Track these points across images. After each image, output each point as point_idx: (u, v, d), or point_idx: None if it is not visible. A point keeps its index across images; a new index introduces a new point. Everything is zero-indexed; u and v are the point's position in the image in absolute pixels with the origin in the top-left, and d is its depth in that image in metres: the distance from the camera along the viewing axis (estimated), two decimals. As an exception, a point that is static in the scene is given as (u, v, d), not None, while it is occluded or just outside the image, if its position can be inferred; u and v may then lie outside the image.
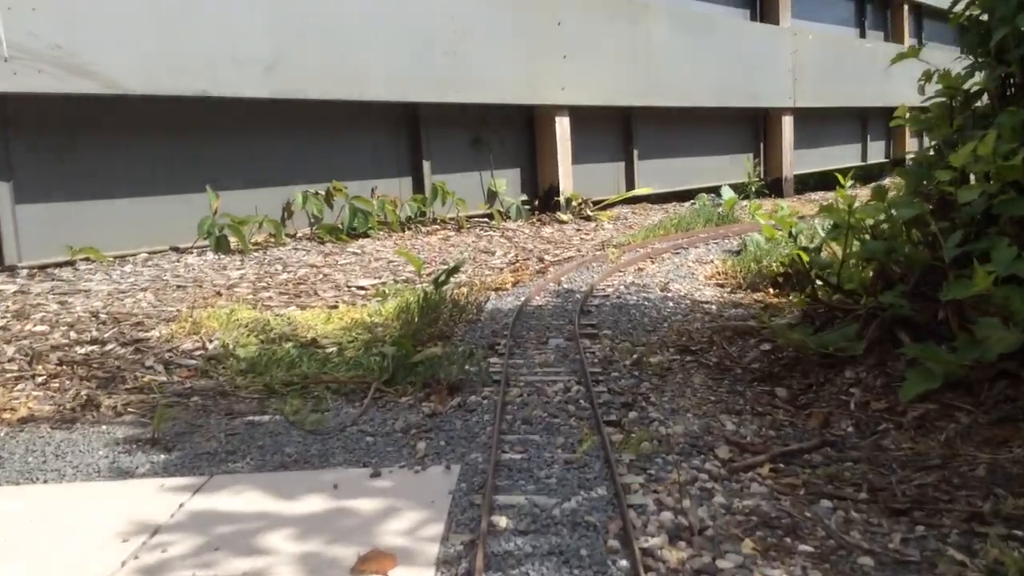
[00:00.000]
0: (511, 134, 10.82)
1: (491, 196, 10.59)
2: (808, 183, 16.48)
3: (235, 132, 8.32)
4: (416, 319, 5.25)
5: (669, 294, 6.33)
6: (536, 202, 10.99)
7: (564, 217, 10.66)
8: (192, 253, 7.72)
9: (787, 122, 14.59)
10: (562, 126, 10.88)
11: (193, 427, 3.71)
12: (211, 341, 4.97)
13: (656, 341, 5.02)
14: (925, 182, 4.79)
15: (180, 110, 7.90)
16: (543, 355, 4.62)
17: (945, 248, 4.11)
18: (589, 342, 4.89)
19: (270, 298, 6.18)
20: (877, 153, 17.76)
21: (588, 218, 10.86)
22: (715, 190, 13.46)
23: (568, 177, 11.01)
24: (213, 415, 3.90)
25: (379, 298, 6.20)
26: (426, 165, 9.83)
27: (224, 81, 7.75)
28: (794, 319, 5.17)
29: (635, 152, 12.36)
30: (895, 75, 17.27)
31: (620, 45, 11.47)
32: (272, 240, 8.21)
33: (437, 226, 9.65)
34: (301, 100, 8.40)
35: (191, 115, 8.00)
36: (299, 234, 8.68)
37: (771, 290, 6.66)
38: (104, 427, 3.74)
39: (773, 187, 14.62)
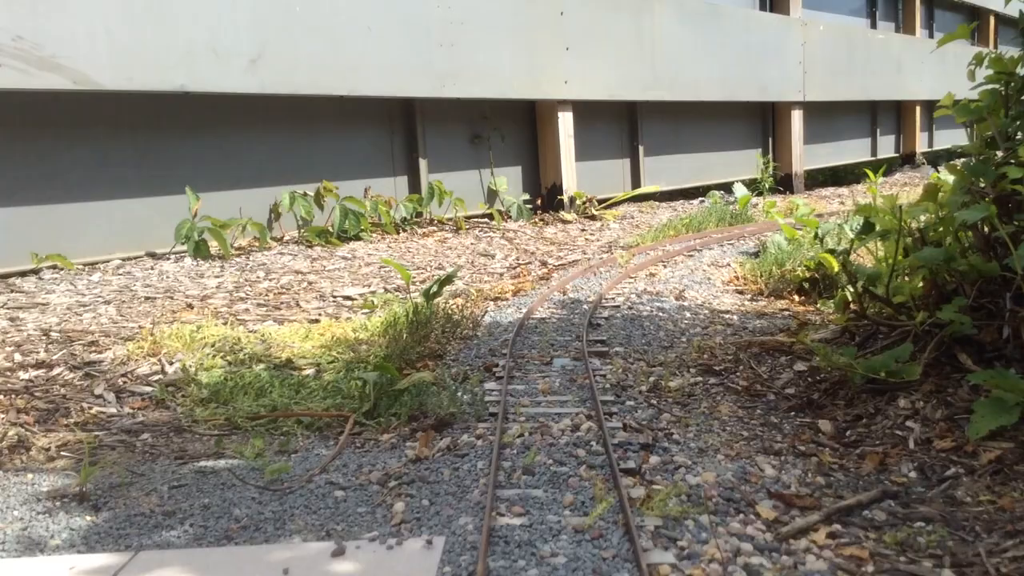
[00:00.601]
0: (512, 130, 10.19)
1: (491, 195, 9.97)
2: (817, 179, 15.84)
3: (217, 129, 7.70)
4: (404, 336, 4.63)
5: (685, 303, 5.70)
6: (538, 201, 10.36)
7: (568, 216, 10.03)
8: (169, 259, 7.10)
9: (797, 116, 13.94)
10: (565, 121, 10.25)
11: (133, 476, 3.09)
12: (172, 363, 4.35)
13: (674, 360, 4.39)
14: (979, 179, 4.14)
15: (157, 106, 7.28)
16: (547, 379, 3.99)
17: (1016, 255, 3.48)
18: (599, 362, 4.26)
19: (246, 310, 5.56)
20: (887, 148, 17.10)
21: (593, 217, 10.23)
22: (723, 187, 12.84)
23: (572, 175, 10.38)
24: (160, 459, 3.28)
25: (366, 310, 5.58)
26: (422, 163, 9.20)
27: (204, 75, 7.12)
28: (829, 334, 4.54)
29: (641, 148, 11.73)
30: (906, 68, 16.66)
31: (625, 36, 10.83)
32: (257, 244, 7.59)
33: (434, 227, 9.03)
34: (288, 95, 7.77)
35: (169, 112, 7.38)
36: (286, 237, 8.06)
37: (796, 297, 6.04)
38: (31, 476, 3.11)
39: (782, 183, 13.97)
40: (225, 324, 5.10)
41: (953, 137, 19.17)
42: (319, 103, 8.30)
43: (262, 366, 4.36)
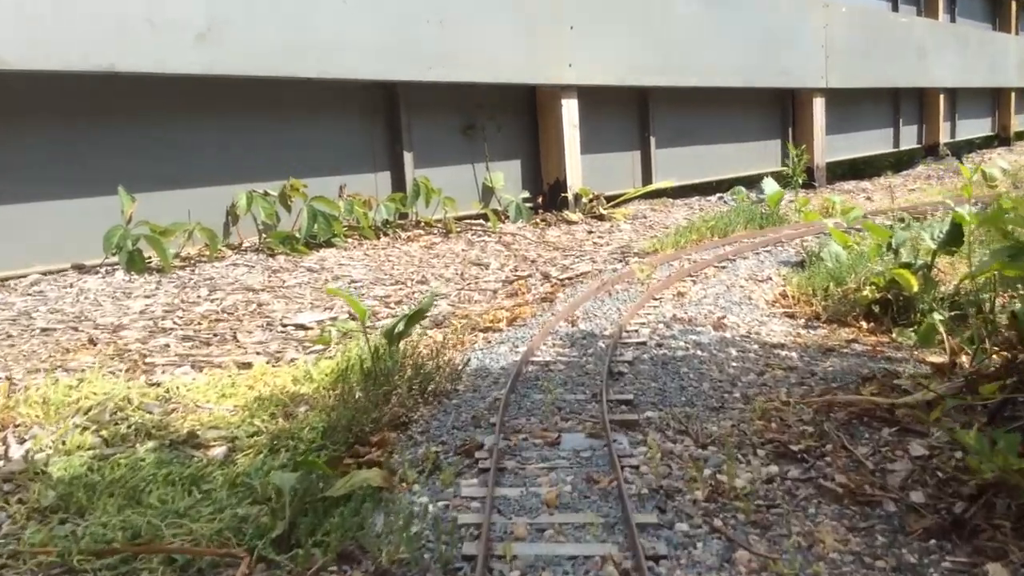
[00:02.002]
0: (510, 119, 8.80)
1: (486, 193, 8.59)
2: (836, 172, 14.43)
3: (159, 118, 6.33)
4: (357, 395, 3.26)
5: (727, 334, 4.33)
6: (540, 199, 8.98)
7: (573, 216, 8.65)
8: (98, 273, 5.74)
9: (818, 104, 12.54)
10: (569, 109, 8.86)
11: None
12: (23, 441, 3.00)
13: (731, 432, 3.02)
14: None
15: (82, 90, 5.91)
16: (553, 474, 2.64)
17: None
18: (627, 440, 2.90)
19: (164, 348, 4.19)
20: (909, 139, 15.69)
21: (601, 217, 8.85)
22: (741, 181, 11.45)
23: (576, 169, 9.00)
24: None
25: (321, 346, 4.22)
26: (407, 157, 7.82)
27: (139, 52, 5.76)
28: (947, 390, 3.16)
29: (652, 140, 10.34)
30: (929, 53, 15.23)
31: (634, 15, 9.43)
32: (208, 254, 6.22)
33: (420, 230, 7.65)
34: (245, 77, 6.40)
35: (97, 96, 6.01)
36: (246, 244, 6.69)
37: (863, 323, 4.67)
38: None
39: (803, 177, 12.55)
40: (126, 371, 3.74)
41: (976, 127, 17.75)
42: (284, 87, 6.92)
43: (151, 444, 3.00)
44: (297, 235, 6.64)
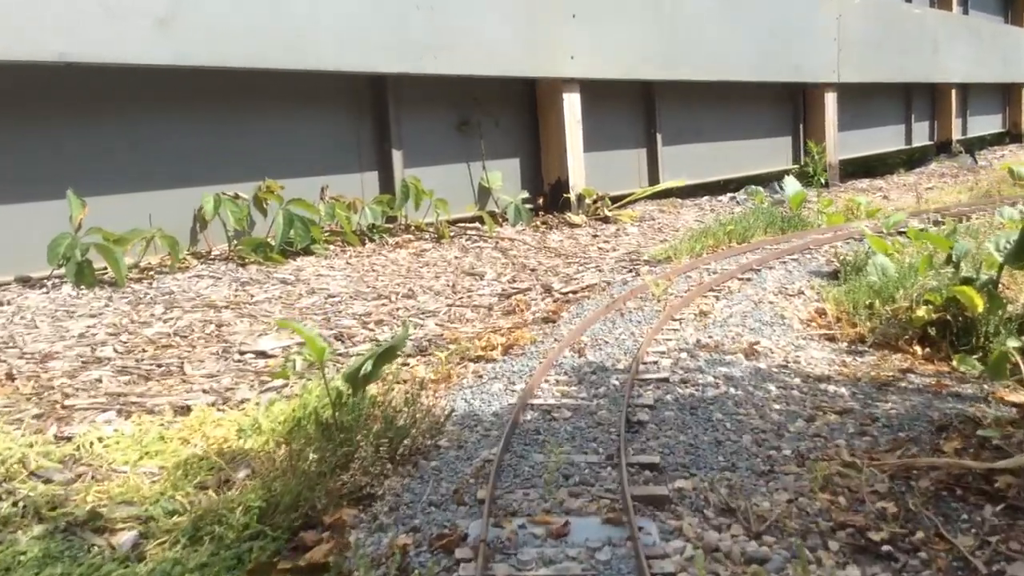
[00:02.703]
0: (508, 115, 8.07)
1: (483, 194, 7.86)
2: (847, 169, 13.69)
3: (116, 113, 5.60)
4: (311, 457, 2.54)
5: (762, 364, 3.61)
6: (540, 200, 8.25)
7: (576, 219, 7.92)
8: (44, 287, 5.02)
9: (830, 99, 11.80)
10: (571, 104, 8.13)
11: None
12: None
13: (789, 512, 2.30)
14: None
15: (27, 82, 5.18)
16: (561, 584, 1.92)
17: None
18: (656, 529, 2.17)
19: (96, 383, 3.47)
20: (921, 135, 14.94)
21: (606, 219, 8.12)
22: (750, 180, 10.73)
23: (579, 168, 8.27)
24: None
25: (281, 380, 3.50)
26: (396, 156, 7.09)
27: (93, 40, 5.03)
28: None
29: (659, 136, 9.61)
30: (942, 47, 14.48)
31: (641, 4, 8.70)
32: (170, 264, 5.49)
33: (410, 235, 6.92)
34: (214, 68, 5.68)
35: (45, 89, 5.28)
36: (215, 252, 5.96)
37: (917, 348, 3.94)
38: None
39: (815, 175, 11.82)
40: (36, 418, 3.01)
41: (986, 124, 17.01)
42: (259, 79, 6.19)
43: (39, 530, 2.29)
44: (272, 242, 5.91)
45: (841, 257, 5.32)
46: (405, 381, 3.31)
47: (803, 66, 11.10)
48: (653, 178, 9.57)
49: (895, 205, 10.09)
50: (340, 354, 3.90)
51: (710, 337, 3.90)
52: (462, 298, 5.18)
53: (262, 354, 3.89)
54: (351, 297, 5.10)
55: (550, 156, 8.25)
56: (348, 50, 6.27)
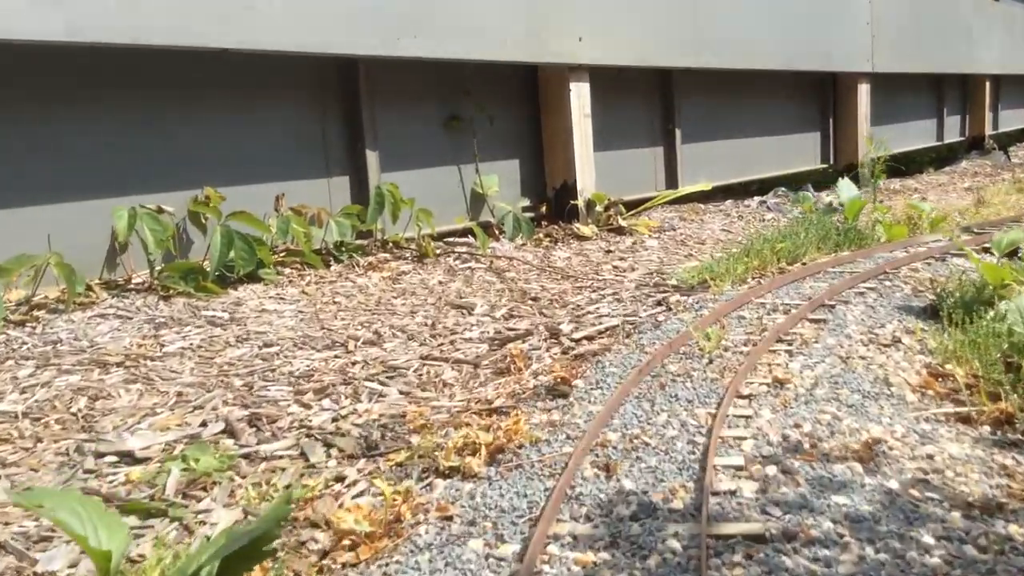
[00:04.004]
0: (505, 108, 6.72)
1: (476, 201, 6.52)
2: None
3: (5, 108, 4.27)
4: None
5: (892, 484, 2.26)
6: (543, 208, 6.90)
7: (585, 230, 6.57)
8: None
9: (863, 91, 10.42)
10: (580, 95, 6.78)
11: None
12: None
13: None
14: None
15: None
16: None
17: None
18: None
19: None
20: (952, 131, 13.55)
21: (620, 230, 6.77)
22: (776, 181, 9.37)
23: (589, 170, 6.93)
24: None
25: (132, 514, 2.16)
26: (371, 158, 5.75)
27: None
28: None
29: (678, 133, 8.25)
30: (976, 35, 13.09)
31: (659, -20, 7.36)
32: (79, 298, 4.14)
33: (387, 254, 5.58)
34: (134, 48, 4.35)
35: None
36: (136, 281, 4.62)
37: (1106, 443, 2.58)
38: None
39: (845, 175, 10.44)
40: None
41: (1015, 119, 15.60)
42: (194, 63, 4.86)
43: None
44: (205, 268, 4.57)
45: (939, 288, 3.97)
46: (314, 546, 1.97)
47: (834, 54, 9.72)
48: (671, 180, 8.21)
49: (941, 207, 8.74)
50: (245, 456, 2.56)
51: (800, 428, 2.55)
52: (442, 345, 3.83)
53: (128, 457, 2.55)
54: (295, 345, 3.76)
55: (555, 157, 6.90)
56: (307, 26, 4.93)
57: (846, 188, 6.04)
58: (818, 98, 10.39)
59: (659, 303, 4.41)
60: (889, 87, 11.30)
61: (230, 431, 2.69)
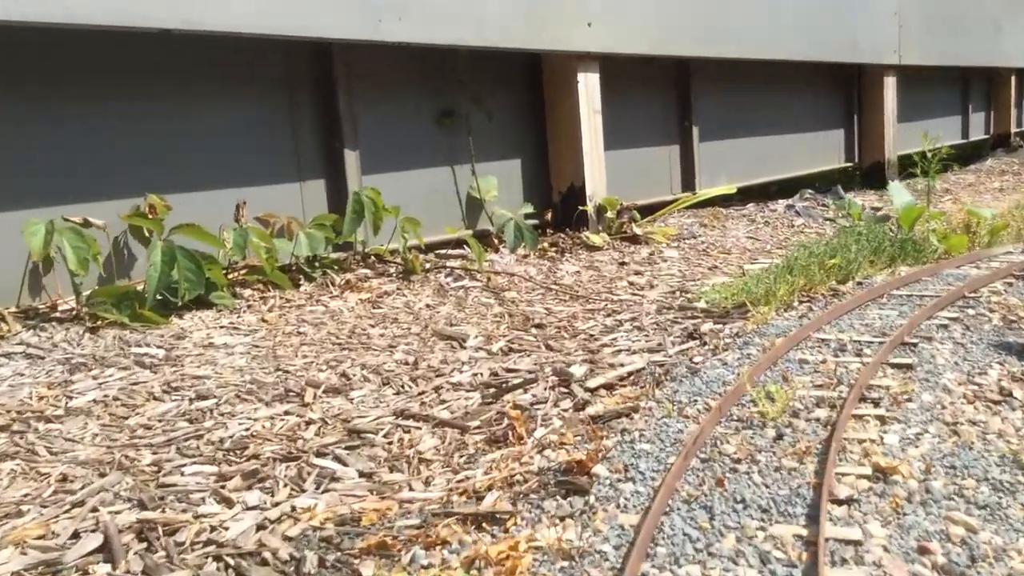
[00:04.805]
0: (505, 102, 5.88)
1: (472, 207, 5.68)
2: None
3: None
4: None
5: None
6: (549, 215, 6.06)
7: (595, 239, 5.73)
8: None
9: (890, 84, 9.56)
10: (588, 87, 5.93)
11: None
12: None
13: None
14: None
15: None
16: None
17: None
18: None
19: None
20: (977, 128, 12.67)
21: (634, 238, 5.93)
22: (799, 183, 8.53)
23: (599, 171, 6.08)
24: None
25: None
26: (350, 159, 4.91)
27: None
28: None
29: (695, 130, 7.40)
30: (1004, 26, 12.21)
31: (676, -40, 6.50)
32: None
33: (369, 269, 4.74)
34: (59, 27, 3.52)
35: None
36: (64, 308, 3.79)
37: None
38: None
39: (870, 175, 9.61)
40: None
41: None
42: (139, 48, 4.03)
43: None
44: (143, 293, 3.74)
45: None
46: None
47: (860, 45, 8.85)
48: (688, 182, 7.36)
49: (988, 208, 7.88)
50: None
51: (929, 555, 1.71)
52: (424, 393, 3.00)
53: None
54: (238, 396, 2.93)
55: (561, 157, 6.06)
56: (271, 5, 4.10)
57: (899, 192, 5.19)
58: (842, 93, 9.53)
59: (690, 335, 3.56)
60: (914, 81, 10.44)
61: (108, 552, 1.86)
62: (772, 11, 7.50)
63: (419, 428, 2.67)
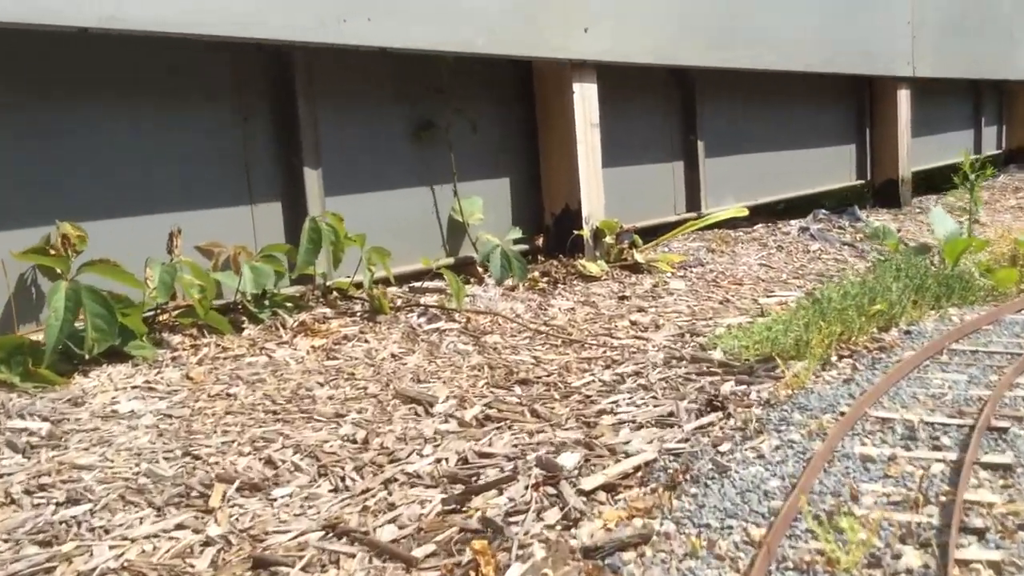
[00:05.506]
0: (491, 114, 5.14)
1: (454, 232, 4.94)
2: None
3: None
4: None
5: None
6: (540, 240, 5.32)
7: (592, 268, 4.99)
8: None
9: (903, 97, 8.84)
10: (585, 99, 5.20)
11: None
12: None
13: None
14: None
15: None
16: None
17: None
18: None
19: None
20: (989, 143, 11.94)
21: (635, 267, 5.19)
22: (809, 201, 7.83)
23: (596, 191, 5.35)
24: None
25: None
26: (311, 178, 4.17)
27: None
28: None
29: (700, 145, 6.67)
30: (1018, 36, 11.51)
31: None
32: None
33: (328, 308, 3.99)
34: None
35: None
36: (-58, 362, 3.05)
37: None
38: None
39: (882, 192, 8.89)
40: None
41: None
42: (42, 49, 3.30)
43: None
44: (40, 346, 2.99)
45: None
46: None
47: (873, 55, 8.14)
48: (693, 202, 6.63)
49: (1003, 230, 7.21)
50: None
51: None
52: (368, 492, 2.26)
53: None
54: (123, 497, 2.20)
55: (555, 175, 5.32)
56: (211, 2, 3.38)
57: (941, 220, 4.45)
58: (853, 106, 8.80)
59: (709, 402, 2.82)
60: (927, 94, 9.72)
61: None
62: (785, 18, 6.79)
63: (351, 556, 1.92)
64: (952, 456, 2.12)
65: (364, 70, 4.42)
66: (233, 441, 2.58)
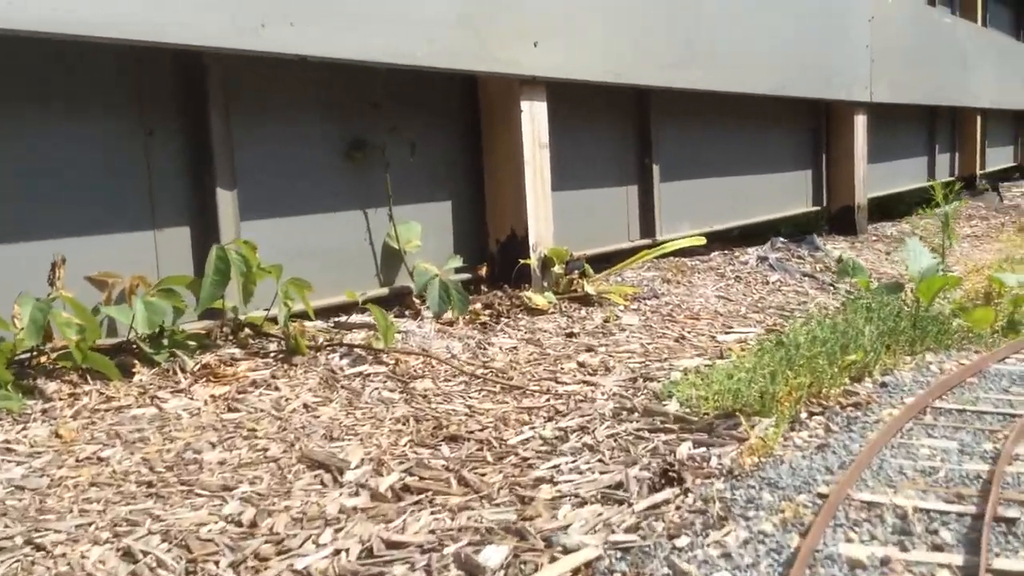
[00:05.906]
0: (433, 132, 4.71)
1: (388, 261, 4.50)
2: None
3: None
4: None
5: None
6: (484, 269, 4.89)
7: (539, 300, 4.57)
8: None
9: (860, 123, 8.61)
10: (534, 118, 4.80)
11: None
12: None
13: None
14: None
15: None
16: None
17: None
18: None
19: None
20: (943, 169, 11.82)
21: (586, 299, 4.79)
22: (766, 228, 7.55)
23: (544, 217, 4.94)
24: None
25: None
26: (225, 199, 3.70)
27: None
28: None
29: (656, 169, 6.31)
30: (970, 66, 11.42)
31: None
32: None
33: (239, 348, 3.51)
34: None
35: None
36: None
37: None
38: None
39: (838, 219, 8.64)
40: None
41: (1000, 157, 14.00)
42: None
43: None
44: None
45: None
46: None
47: (834, 79, 7.90)
48: (647, 228, 6.26)
49: (966, 260, 7.00)
50: None
51: None
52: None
53: None
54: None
55: (500, 199, 4.90)
56: (132, 8, 2.91)
57: (917, 254, 4.09)
58: (810, 131, 8.56)
59: (663, 473, 2.40)
60: (883, 120, 9.53)
61: None
62: (744, 39, 6.48)
63: None
64: (958, 560, 1.73)
65: (289, 82, 3.97)
66: (91, 524, 2.10)
